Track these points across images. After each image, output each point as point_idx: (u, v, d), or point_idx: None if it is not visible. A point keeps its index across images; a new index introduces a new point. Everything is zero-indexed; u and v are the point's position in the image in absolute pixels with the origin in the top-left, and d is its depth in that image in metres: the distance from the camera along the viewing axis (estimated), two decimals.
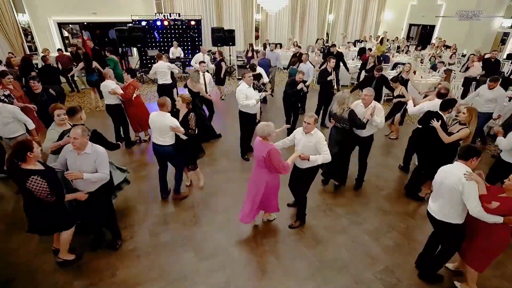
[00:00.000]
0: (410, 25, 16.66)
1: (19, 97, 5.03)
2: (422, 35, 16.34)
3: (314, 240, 3.70)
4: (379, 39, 13.22)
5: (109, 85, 5.41)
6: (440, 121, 3.89)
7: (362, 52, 10.86)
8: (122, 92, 5.45)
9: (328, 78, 6.38)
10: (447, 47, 12.81)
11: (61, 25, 11.34)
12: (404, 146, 5.45)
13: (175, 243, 3.61)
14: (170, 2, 12.02)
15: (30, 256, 3.38)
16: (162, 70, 7.06)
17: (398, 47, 13.52)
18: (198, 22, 11.83)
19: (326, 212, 4.23)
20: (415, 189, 4.52)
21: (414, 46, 13.65)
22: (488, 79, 5.71)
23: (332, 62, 6.49)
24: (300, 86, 5.81)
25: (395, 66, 10.07)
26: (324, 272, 3.27)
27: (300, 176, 3.68)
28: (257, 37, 14.53)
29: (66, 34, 11.90)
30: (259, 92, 5.38)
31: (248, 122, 5.26)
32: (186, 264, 3.33)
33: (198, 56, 8.55)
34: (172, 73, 7.38)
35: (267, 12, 12.71)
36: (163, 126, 3.83)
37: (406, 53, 12.50)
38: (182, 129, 3.88)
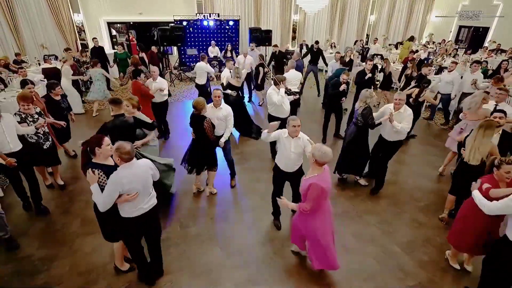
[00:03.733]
0: (460, 27, 15.48)
1: (42, 110, 4.44)
2: (474, 37, 15.12)
3: (341, 247, 3.59)
4: (409, 37, 12.67)
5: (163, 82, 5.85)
6: None
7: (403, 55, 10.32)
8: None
9: (340, 89, 5.73)
10: (502, 51, 11.73)
11: (110, 24, 12.17)
12: (446, 155, 5.11)
13: (203, 237, 3.71)
14: (210, 2, 12.35)
15: (72, 237, 3.68)
16: (200, 71, 7.18)
17: (446, 50, 12.63)
18: (236, 22, 12.02)
19: (355, 219, 4.09)
20: None
21: (464, 49, 12.67)
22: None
23: (369, 64, 6.32)
24: (342, 87, 5.69)
25: (440, 70, 9.44)
26: (350, 280, 3.17)
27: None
28: (293, 38, 14.42)
29: (114, 32, 12.76)
30: (289, 95, 5.33)
31: (279, 127, 5.23)
32: (212, 258, 3.41)
33: (239, 59, 8.48)
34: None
35: (306, 13, 12.57)
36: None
37: (453, 57, 11.65)
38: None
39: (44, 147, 4.20)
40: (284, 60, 9.30)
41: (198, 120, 3.90)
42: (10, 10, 9.64)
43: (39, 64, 9.14)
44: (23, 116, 3.93)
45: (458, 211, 3.18)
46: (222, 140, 4.24)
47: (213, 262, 3.36)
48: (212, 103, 4.21)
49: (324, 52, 9.65)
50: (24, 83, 4.63)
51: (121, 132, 3.56)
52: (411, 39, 12.12)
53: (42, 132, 4.14)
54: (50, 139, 4.32)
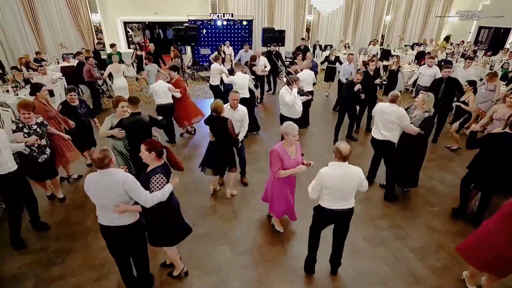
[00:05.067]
0: (480, 28, 15.01)
1: (52, 118, 4.21)
2: (494, 39, 14.63)
3: (350, 250, 3.54)
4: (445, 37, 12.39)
5: (165, 85, 5.56)
6: None
7: (420, 56, 10.11)
8: (176, 89, 5.63)
9: (355, 89, 5.68)
10: None
11: (126, 24, 12.43)
12: (465, 161, 4.95)
13: (212, 236, 3.74)
14: (224, 2, 12.42)
15: (87, 231, 3.77)
16: (214, 72, 7.07)
17: (465, 51, 12.28)
18: (250, 22, 12.05)
19: (366, 222, 4.03)
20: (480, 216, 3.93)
21: (483, 51, 12.28)
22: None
23: (372, 65, 6.26)
24: (357, 87, 5.62)
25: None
26: (360, 283, 3.12)
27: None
28: (307, 38, 14.35)
29: (130, 32, 13.02)
30: (302, 96, 5.28)
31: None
32: (221, 257, 3.43)
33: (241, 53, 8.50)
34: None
35: (320, 13, 12.47)
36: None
37: (471, 59, 11.30)
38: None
39: (39, 160, 3.83)
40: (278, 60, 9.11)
41: (220, 122, 3.93)
42: (32, 11, 10.00)
43: (58, 63, 9.43)
44: (20, 125, 3.58)
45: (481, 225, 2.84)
46: (240, 137, 4.28)
47: (222, 261, 3.37)
48: (229, 104, 4.24)
49: (338, 52, 9.56)
50: (37, 87, 4.19)
51: (136, 130, 3.70)
52: (447, 39, 11.85)
53: (36, 145, 3.74)
54: (47, 152, 3.91)
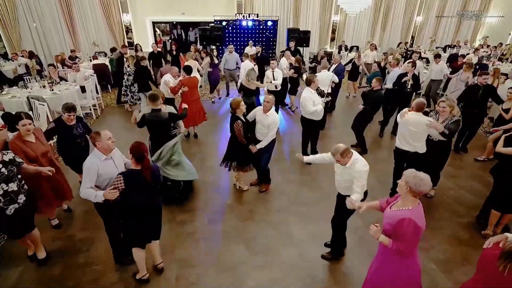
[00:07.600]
0: None
1: (40, 156, 3.29)
2: None
3: (369, 256, 3.41)
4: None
5: (167, 78, 5.94)
6: None
7: (452, 59, 9.62)
8: (172, 86, 5.68)
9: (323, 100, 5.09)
10: None
11: (154, 24, 12.83)
12: None
13: (229, 234, 3.77)
14: (250, 3, 12.47)
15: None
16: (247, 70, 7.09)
17: (503, 55, 11.54)
18: (275, 22, 12.02)
19: None
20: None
21: None
22: None
23: (411, 69, 5.99)
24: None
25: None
26: None
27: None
28: (332, 39, 14.09)
29: (158, 31, 13.44)
30: (322, 97, 5.18)
31: (312, 129, 5.18)
32: (237, 255, 3.45)
33: (282, 61, 7.76)
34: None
35: (347, 13, 12.20)
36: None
37: (511, 62, 10.62)
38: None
39: (7, 212, 2.74)
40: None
41: (232, 120, 4.04)
42: (69, 12, 10.62)
43: (91, 60, 9.91)
44: None
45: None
46: (258, 146, 4.12)
47: (237, 260, 3.39)
48: (261, 107, 4.12)
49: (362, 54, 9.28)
50: (18, 118, 3.16)
51: (156, 125, 3.86)
52: None
53: (1, 192, 2.66)
54: (19, 201, 2.80)
